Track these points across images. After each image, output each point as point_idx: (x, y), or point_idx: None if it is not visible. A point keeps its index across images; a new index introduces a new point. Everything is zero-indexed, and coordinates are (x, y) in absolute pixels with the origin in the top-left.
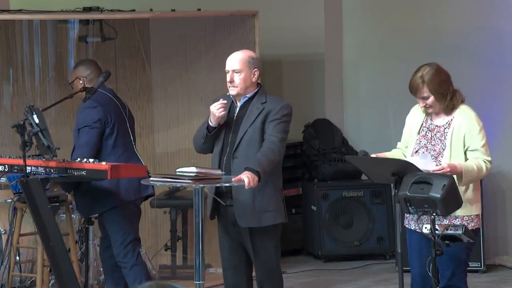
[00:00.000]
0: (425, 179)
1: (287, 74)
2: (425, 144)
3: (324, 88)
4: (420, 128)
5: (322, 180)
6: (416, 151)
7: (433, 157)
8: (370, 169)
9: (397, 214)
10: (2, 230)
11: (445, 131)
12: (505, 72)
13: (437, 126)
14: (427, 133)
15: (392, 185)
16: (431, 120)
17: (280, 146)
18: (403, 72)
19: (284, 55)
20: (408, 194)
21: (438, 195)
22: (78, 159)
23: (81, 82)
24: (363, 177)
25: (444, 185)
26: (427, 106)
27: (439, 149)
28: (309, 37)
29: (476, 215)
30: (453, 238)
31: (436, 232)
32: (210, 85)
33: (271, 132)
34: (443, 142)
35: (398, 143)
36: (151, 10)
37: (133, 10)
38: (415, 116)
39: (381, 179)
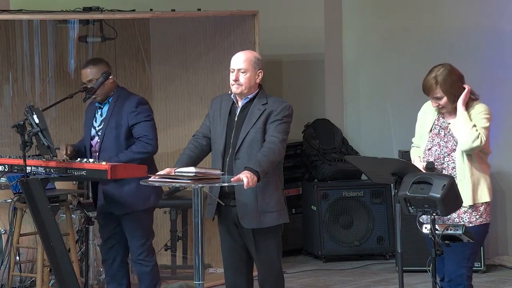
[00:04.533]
0: (425, 179)
1: (287, 74)
2: (438, 142)
3: (324, 88)
4: (432, 126)
5: (322, 180)
6: (429, 149)
7: (445, 154)
8: (370, 169)
9: (397, 214)
10: (2, 230)
11: None
12: (505, 72)
13: (449, 124)
14: (440, 131)
15: (392, 185)
16: (443, 118)
17: (281, 147)
18: (403, 72)
19: (284, 55)
20: (408, 194)
21: (438, 195)
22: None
23: (110, 78)
24: (363, 177)
25: (444, 185)
26: (440, 106)
27: (452, 145)
28: (309, 37)
29: (483, 204)
30: (453, 238)
31: (436, 232)
32: (210, 85)
33: (272, 133)
34: (455, 138)
35: (413, 139)
36: (151, 10)
37: (133, 10)
38: (427, 113)
39: (381, 179)
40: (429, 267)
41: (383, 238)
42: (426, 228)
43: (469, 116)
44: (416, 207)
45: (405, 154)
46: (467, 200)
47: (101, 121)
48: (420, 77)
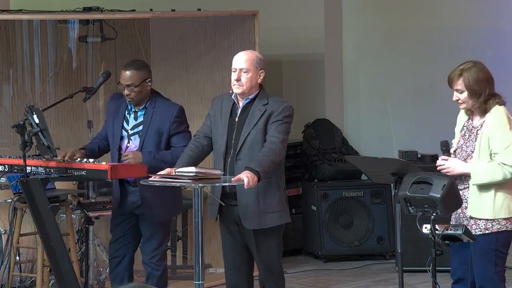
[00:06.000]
0: (425, 179)
1: (287, 74)
2: (461, 145)
3: (324, 88)
4: (462, 128)
5: (322, 180)
6: (455, 151)
7: (463, 158)
8: (370, 169)
9: (397, 214)
10: (2, 230)
11: (477, 133)
12: (505, 72)
13: (473, 127)
14: (466, 133)
15: (392, 185)
16: (471, 120)
17: (281, 147)
18: (403, 72)
19: (284, 55)
20: (408, 194)
21: (438, 195)
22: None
23: (149, 84)
24: (363, 177)
25: (444, 185)
26: (460, 101)
27: (470, 150)
28: (309, 37)
29: (504, 218)
30: (453, 238)
31: (436, 232)
32: (210, 85)
33: (272, 133)
34: (474, 144)
35: (452, 140)
36: (151, 10)
37: (133, 10)
38: (461, 115)
39: (381, 179)
40: (429, 267)
41: (383, 238)
42: (426, 228)
43: (485, 123)
44: (416, 207)
45: (405, 154)
46: (481, 213)
47: (135, 126)
48: (420, 77)
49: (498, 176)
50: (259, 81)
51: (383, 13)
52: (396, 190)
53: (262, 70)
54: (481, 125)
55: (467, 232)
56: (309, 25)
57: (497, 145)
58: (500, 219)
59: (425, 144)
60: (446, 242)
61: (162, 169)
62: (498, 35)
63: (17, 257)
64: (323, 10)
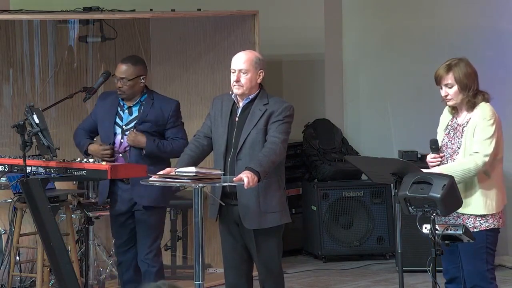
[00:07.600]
0: (425, 179)
1: (287, 74)
2: (446, 143)
3: (324, 88)
4: (446, 127)
5: (322, 180)
6: (439, 148)
7: (449, 155)
8: (370, 169)
9: (397, 214)
10: (2, 230)
11: (463, 130)
12: (505, 72)
13: (458, 124)
14: (450, 132)
15: (392, 185)
16: (456, 119)
17: (282, 147)
18: (403, 72)
19: (284, 55)
20: (408, 194)
21: (438, 195)
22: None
23: (142, 81)
24: (363, 177)
25: (444, 185)
26: (448, 97)
27: (456, 147)
28: (309, 37)
29: (492, 215)
30: (453, 238)
31: (436, 232)
32: (210, 85)
33: (273, 133)
34: (460, 140)
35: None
36: (151, 10)
37: (133, 10)
38: (445, 115)
39: (381, 179)
40: (429, 267)
41: (383, 238)
42: (426, 228)
43: (471, 120)
44: (416, 207)
45: (405, 154)
46: (469, 209)
47: (130, 121)
48: (420, 77)
49: (469, 165)
50: (258, 81)
51: (383, 13)
52: (396, 190)
53: (261, 70)
54: (467, 122)
55: (467, 232)
56: (309, 25)
57: (476, 136)
58: (488, 216)
59: (425, 144)
60: (446, 242)
61: (161, 158)
62: (498, 35)
63: (17, 257)
64: (323, 10)
